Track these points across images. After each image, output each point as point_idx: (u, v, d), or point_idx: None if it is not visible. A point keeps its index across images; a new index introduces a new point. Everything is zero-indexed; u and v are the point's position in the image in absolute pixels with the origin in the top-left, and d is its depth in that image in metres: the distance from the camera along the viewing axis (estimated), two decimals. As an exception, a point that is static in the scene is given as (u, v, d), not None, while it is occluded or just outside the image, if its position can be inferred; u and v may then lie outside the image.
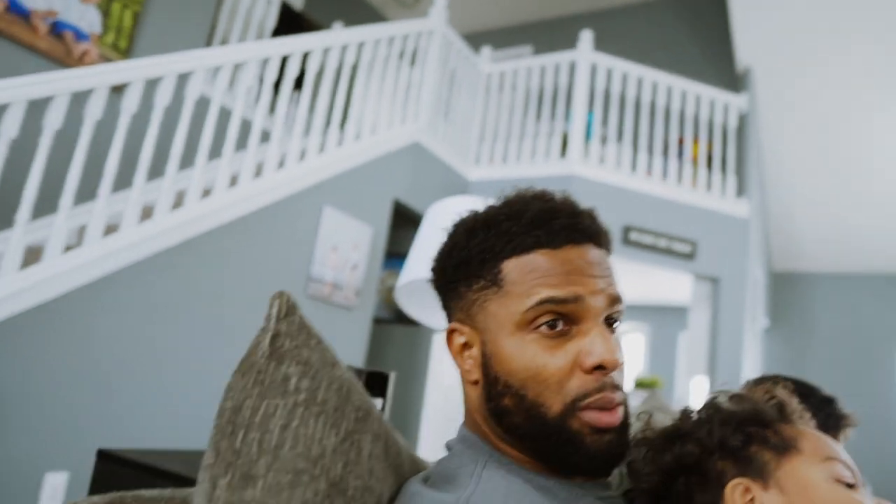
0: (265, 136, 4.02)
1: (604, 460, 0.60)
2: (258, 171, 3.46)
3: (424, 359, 4.28)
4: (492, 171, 4.60)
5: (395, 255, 4.11)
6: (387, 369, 1.35)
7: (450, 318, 0.70)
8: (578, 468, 0.61)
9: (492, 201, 0.70)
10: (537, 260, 0.62)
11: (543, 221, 0.63)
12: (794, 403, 0.67)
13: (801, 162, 5.79)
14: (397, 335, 4.45)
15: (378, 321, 4.42)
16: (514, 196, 0.68)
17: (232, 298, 2.89)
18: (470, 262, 0.65)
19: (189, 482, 1.04)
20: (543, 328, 0.60)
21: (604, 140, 4.75)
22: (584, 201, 0.69)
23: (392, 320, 4.46)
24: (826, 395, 1.28)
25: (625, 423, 0.62)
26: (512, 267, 0.62)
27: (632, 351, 8.27)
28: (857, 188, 5.79)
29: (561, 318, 0.60)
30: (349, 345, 3.49)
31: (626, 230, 4.33)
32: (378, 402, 1.29)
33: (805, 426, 0.65)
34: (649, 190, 4.48)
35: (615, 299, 0.63)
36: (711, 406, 0.67)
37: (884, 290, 6.64)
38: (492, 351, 0.63)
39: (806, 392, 1.28)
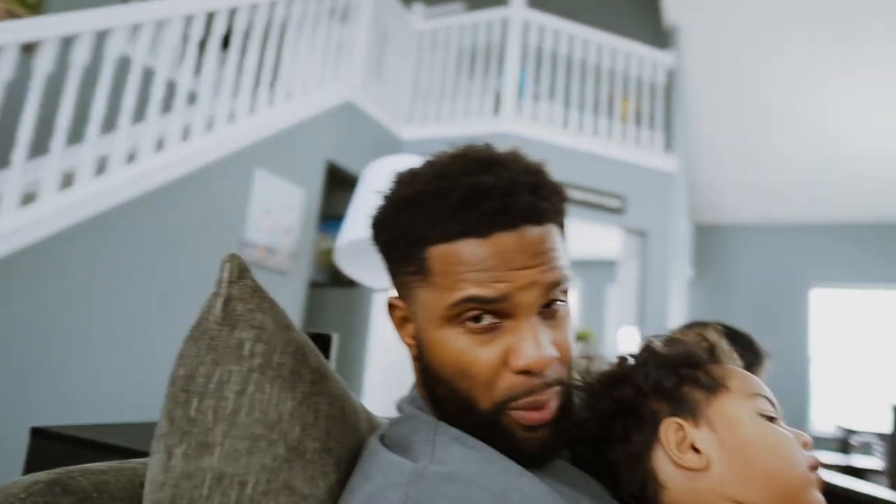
0: (192, 98, 3.86)
1: (536, 455, 0.60)
2: (185, 134, 3.33)
3: (364, 320, 4.28)
4: (425, 130, 4.57)
5: (330, 217, 4.05)
6: (325, 331, 1.34)
7: (392, 286, 0.67)
8: (516, 459, 0.59)
9: (430, 158, 0.65)
10: (463, 250, 0.57)
11: (472, 204, 0.57)
12: (723, 345, 0.70)
13: (724, 117, 5.98)
14: (334, 298, 4.43)
15: (314, 285, 4.38)
16: (447, 161, 0.62)
17: (163, 266, 2.80)
18: (397, 242, 0.61)
19: (133, 454, 1.02)
20: (470, 323, 0.57)
21: (536, 97, 4.78)
22: None
23: (328, 283, 4.43)
24: (748, 336, 1.39)
25: (562, 413, 0.61)
26: (438, 255, 0.58)
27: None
28: (776, 143, 6.04)
29: (489, 314, 0.57)
30: (286, 309, 3.45)
31: (560, 187, 4.39)
32: (324, 364, 1.29)
33: (734, 366, 0.69)
34: (580, 146, 4.56)
35: (553, 284, 0.59)
36: (647, 350, 0.70)
37: (798, 239, 7.02)
38: (424, 338, 0.61)
39: (730, 334, 1.37)
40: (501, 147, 0.65)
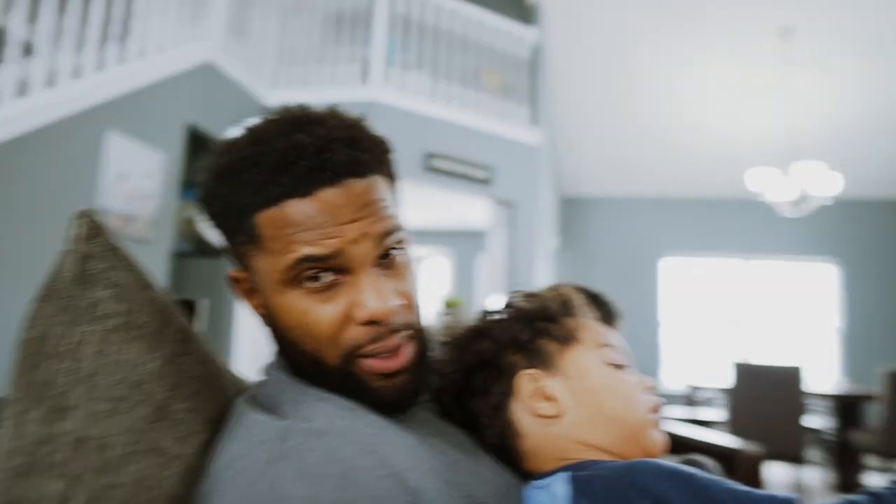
0: (28, 50, 3.50)
1: (395, 402, 0.61)
2: (22, 90, 3.02)
3: (224, 288, 4.13)
4: (291, 95, 4.37)
5: (193, 184, 3.86)
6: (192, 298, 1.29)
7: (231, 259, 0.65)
8: (374, 409, 0.60)
9: (249, 124, 0.63)
10: (289, 212, 0.56)
11: (288, 164, 0.56)
12: (578, 299, 0.75)
13: (587, 93, 6.26)
14: (199, 268, 4.23)
15: (178, 255, 4.16)
16: (263, 125, 0.61)
17: (2, 236, 2.55)
18: (225, 214, 0.60)
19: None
20: (309, 284, 0.57)
21: (404, 66, 4.76)
22: (385, 127, 0.64)
23: (193, 253, 4.23)
24: (606, 296, 1.48)
25: (418, 360, 0.63)
26: (266, 221, 0.57)
27: (437, 274, 8.63)
28: (636, 120, 6.41)
29: (326, 271, 0.57)
30: (145, 281, 3.26)
31: (428, 157, 4.43)
32: (188, 332, 1.24)
33: (587, 318, 0.74)
34: (448, 117, 4.61)
35: (385, 234, 0.59)
36: (507, 306, 0.73)
37: (651, 211, 7.55)
38: (269, 304, 0.61)
39: (589, 295, 1.48)
40: (363, 114, 0.64)
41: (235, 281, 0.64)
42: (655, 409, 0.67)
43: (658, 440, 0.66)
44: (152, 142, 3.32)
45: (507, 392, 0.67)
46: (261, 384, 0.66)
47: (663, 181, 7.26)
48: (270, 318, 0.62)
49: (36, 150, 2.69)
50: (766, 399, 3.97)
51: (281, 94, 4.44)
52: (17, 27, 2.68)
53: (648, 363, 7.07)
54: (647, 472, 0.54)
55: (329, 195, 0.56)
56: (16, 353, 0.53)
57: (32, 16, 3.48)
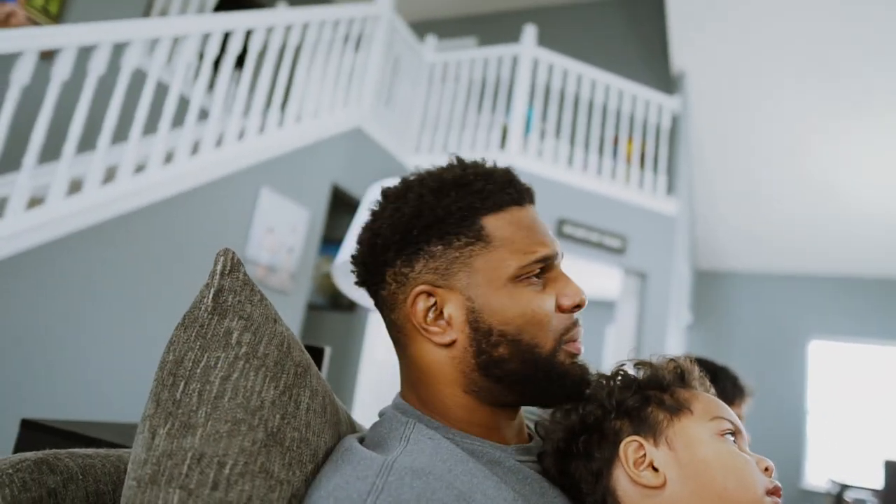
0: (203, 115, 3.93)
1: (583, 382, 0.69)
2: (195, 150, 3.38)
3: (359, 341, 4.29)
4: (432, 160, 4.56)
5: (332, 240, 4.09)
6: (320, 345, 1.36)
7: (401, 285, 0.68)
8: (565, 395, 0.68)
9: (415, 173, 0.72)
10: (517, 217, 0.68)
11: (510, 181, 0.69)
12: (694, 371, 0.72)
13: (726, 164, 6.05)
14: (331, 321, 4.44)
15: (312, 307, 4.40)
16: (459, 161, 0.72)
17: (163, 277, 2.83)
18: (447, 219, 0.66)
19: (120, 448, 1.04)
20: (533, 278, 0.66)
21: (542, 134, 4.84)
22: None
23: (326, 307, 4.45)
24: (732, 372, 1.41)
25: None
26: (494, 224, 0.67)
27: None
28: (777, 192, 6.09)
29: (542, 269, 0.67)
30: (283, 328, 3.46)
31: (561, 223, 4.43)
32: (313, 375, 1.31)
33: (703, 391, 0.70)
34: (584, 185, 4.60)
35: (562, 254, 0.72)
36: (617, 372, 0.72)
37: (798, 289, 7.02)
38: (483, 304, 0.65)
39: (712, 368, 1.42)
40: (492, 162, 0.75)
41: (423, 295, 0.66)
42: (774, 493, 0.63)
43: None
44: (299, 199, 3.57)
45: (611, 459, 0.66)
46: (374, 425, 0.70)
47: (812, 257, 6.77)
48: (478, 322, 0.65)
49: (200, 203, 2.99)
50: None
51: (423, 158, 4.65)
52: (197, 95, 3.02)
53: (792, 454, 6.45)
54: None
55: (533, 211, 0.71)
56: (157, 371, 0.59)
57: (211, 85, 3.91)
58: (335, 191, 3.96)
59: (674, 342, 5.03)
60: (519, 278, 0.66)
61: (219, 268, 0.62)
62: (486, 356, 0.65)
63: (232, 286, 0.61)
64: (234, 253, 0.63)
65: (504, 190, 0.68)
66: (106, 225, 2.57)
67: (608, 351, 7.62)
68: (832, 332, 6.80)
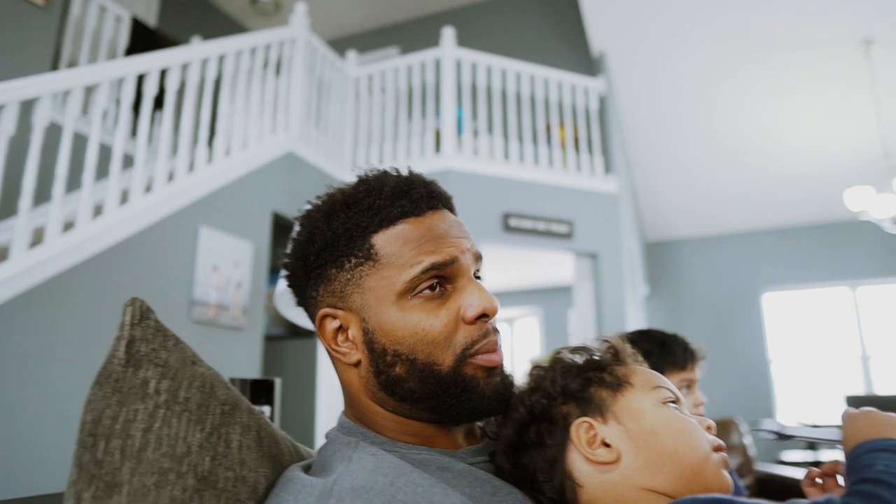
0: (129, 161, 3.84)
1: (499, 399, 0.66)
2: (124, 198, 3.30)
3: (315, 366, 4.24)
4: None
5: (279, 269, 4.04)
6: (282, 381, 1.34)
7: (314, 308, 0.69)
8: (478, 412, 0.66)
9: (326, 191, 0.71)
10: (407, 229, 0.65)
11: (403, 192, 0.66)
12: (626, 347, 0.74)
13: (659, 136, 6.17)
14: (293, 349, 4.38)
15: (271, 338, 4.33)
16: (360, 178, 0.70)
17: (106, 336, 2.74)
18: (336, 242, 0.65)
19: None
20: (426, 292, 0.64)
21: (475, 133, 4.87)
22: (461, 193, 0.74)
23: (285, 336, 4.39)
24: (681, 338, 1.44)
25: (503, 362, 0.68)
26: (383, 240, 0.64)
27: (527, 334, 8.53)
28: (711, 155, 6.24)
29: (439, 280, 0.64)
30: (243, 364, 3.40)
31: (506, 217, 4.46)
32: (266, 409, 1.28)
33: (637, 365, 0.72)
34: (523, 176, 4.65)
35: (479, 256, 0.69)
36: (555, 359, 0.73)
37: (743, 247, 7.21)
38: (375, 325, 0.64)
39: (661, 337, 1.44)
40: (445, 184, 0.74)
41: (326, 319, 0.67)
42: (718, 449, 0.65)
43: (724, 480, 0.63)
44: (240, 232, 3.52)
45: (563, 443, 0.66)
46: (320, 449, 0.69)
47: (753, 213, 6.96)
48: (373, 340, 0.64)
49: (137, 252, 2.91)
50: None
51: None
52: (119, 142, 2.95)
53: (762, 404, 6.61)
54: None
55: (436, 217, 0.67)
56: (78, 435, 0.57)
57: (133, 130, 3.82)
58: (276, 219, 3.91)
59: (633, 315, 5.11)
60: (411, 293, 0.64)
61: (128, 318, 0.60)
62: (384, 376, 0.65)
63: (143, 335, 0.60)
64: (142, 301, 0.62)
65: (394, 203, 0.66)
66: (36, 290, 2.48)
67: (572, 334, 7.71)
68: (782, 282, 7.00)
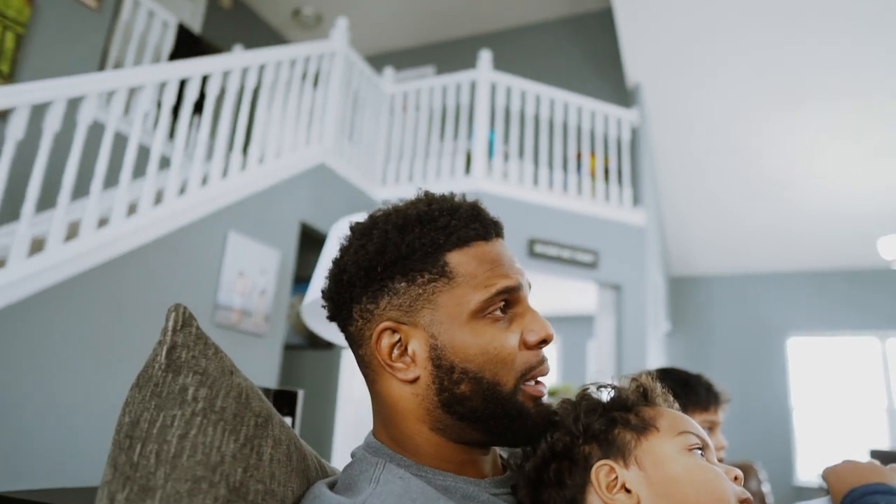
0: (165, 163, 3.91)
1: (547, 424, 0.68)
2: (158, 199, 3.36)
3: (335, 378, 4.24)
4: (398, 191, 4.64)
5: (303, 279, 4.06)
6: (293, 389, 1.35)
7: (368, 322, 0.67)
8: (530, 435, 0.67)
9: (382, 208, 0.71)
10: (481, 252, 0.67)
11: (475, 216, 0.69)
12: (657, 387, 0.72)
13: (690, 171, 6.15)
14: (310, 360, 4.39)
15: (290, 347, 4.35)
16: (423, 197, 0.72)
17: (134, 331, 2.78)
18: (410, 256, 0.66)
19: (90, 515, 1.01)
20: (497, 313, 0.65)
21: (506, 156, 4.89)
22: None
23: (304, 346, 4.40)
24: (705, 379, 1.42)
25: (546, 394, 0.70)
26: (458, 259, 0.66)
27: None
28: (743, 194, 6.20)
29: (506, 304, 0.66)
30: (261, 372, 3.42)
31: (531, 243, 4.46)
32: (288, 420, 1.29)
33: (668, 406, 0.71)
34: (551, 203, 4.64)
35: (530, 285, 0.72)
36: (581, 396, 0.72)
37: (770, 287, 7.11)
38: (446, 341, 0.64)
39: (685, 377, 1.43)
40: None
41: (383, 334, 0.66)
42: (745, 502, 0.63)
43: None
44: (268, 240, 3.55)
45: (583, 484, 0.65)
46: (345, 467, 0.69)
47: (783, 254, 6.87)
48: (440, 359, 0.64)
49: (167, 252, 2.95)
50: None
51: (389, 189, 4.66)
52: (157, 144, 3.01)
53: (782, 452, 6.48)
54: None
55: (500, 245, 0.70)
56: (114, 435, 0.58)
57: (171, 133, 3.89)
58: (304, 229, 3.95)
59: (654, 351, 5.06)
60: (482, 314, 0.65)
61: (170, 324, 0.61)
62: (448, 393, 0.65)
63: (185, 342, 0.61)
64: (185, 308, 0.63)
65: (469, 225, 0.68)
66: (70, 283, 2.53)
67: (591, 365, 7.64)
68: (808, 328, 6.89)
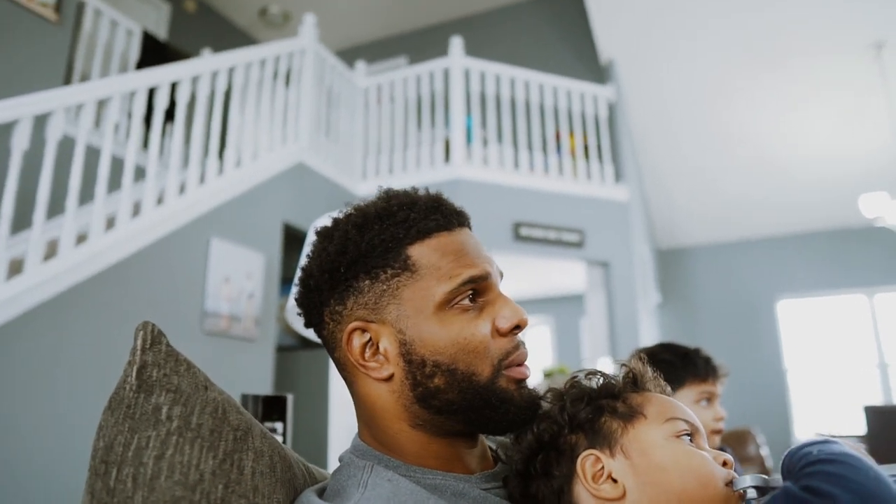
0: (140, 173, 3.86)
1: (531, 408, 0.66)
2: (136, 211, 3.31)
3: (329, 379, 4.23)
4: (378, 184, 4.57)
5: (291, 279, 4.03)
6: (293, 394, 1.33)
7: (339, 323, 0.67)
8: (514, 422, 0.66)
9: (346, 209, 0.70)
10: (443, 242, 0.66)
11: (435, 207, 0.68)
12: (647, 372, 0.71)
13: (669, 143, 6.15)
14: (304, 360, 4.38)
15: (283, 349, 4.33)
16: (385, 193, 0.70)
17: (120, 349, 2.75)
18: (370, 253, 0.65)
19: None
20: (465, 303, 0.64)
21: (485, 141, 4.87)
22: (471, 202, 0.73)
23: (297, 347, 4.39)
24: (704, 352, 1.44)
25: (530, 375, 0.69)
26: (420, 252, 0.65)
27: (538, 343, 8.49)
28: (722, 162, 6.22)
29: (474, 293, 0.65)
30: (254, 376, 3.40)
31: (517, 226, 4.45)
32: (278, 426, 1.27)
33: (659, 391, 0.70)
34: (533, 185, 4.64)
35: (502, 274, 0.71)
36: (569, 385, 0.71)
37: (757, 252, 7.15)
38: (414, 335, 0.63)
39: (684, 351, 1.43)
40: (454, 193, 0.72)
41: (352, 334, 0.65)
42: (729, 485, 0.62)
43: None
44: (252, 243, 3.52)
45: (570, 475, 0.64)
46: (334, 473, 0.68)
47: (767, 220, 6.92)
48: (410, 352, 0.63)
49: (149, 264, 2.92)
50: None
51: (370, 183, 4.63)
52: (131, 154, 2.97)
53: (779, 414, 6.55)
54: None
55: (464, 234, 0.69)
56: (90, 461, 0.56)
57: (144, 143, 3.84)
58: (287, 229, 3.92)
59: (646, 324, 5.08)
60: (449, 304, 0.64)
61: (139, 343, 0.59)
62: (422, 388, 0.64)
63: (155, 360, 0.59)
64: (153, 325, 0.61)
65: (429, 217, 0.66)
66: (52, 303, 2.50)
67: (585, 342, 7.67)
68: (796, 290, 6.94)
